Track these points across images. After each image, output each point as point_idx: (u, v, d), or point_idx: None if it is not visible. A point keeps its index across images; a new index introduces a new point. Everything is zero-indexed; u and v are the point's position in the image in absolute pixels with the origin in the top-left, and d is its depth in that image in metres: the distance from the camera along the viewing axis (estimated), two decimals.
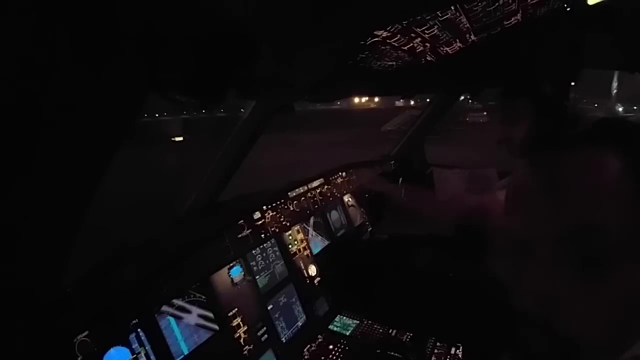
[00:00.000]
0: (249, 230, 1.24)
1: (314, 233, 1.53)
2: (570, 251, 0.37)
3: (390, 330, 1.31)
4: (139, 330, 0.85)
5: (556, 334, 0.37)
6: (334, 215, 1.69)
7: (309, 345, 1.24)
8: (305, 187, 1.58)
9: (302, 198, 1.53)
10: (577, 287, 0.37)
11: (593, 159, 0.38)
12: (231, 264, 1.13)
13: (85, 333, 0.75)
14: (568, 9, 1.04)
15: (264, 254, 1.27)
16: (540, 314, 0.38)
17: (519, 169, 0.44)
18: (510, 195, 0.44)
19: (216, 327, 1.02)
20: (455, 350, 1.21)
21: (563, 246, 0.37)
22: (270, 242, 1.31)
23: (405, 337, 1.28)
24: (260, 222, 1.30)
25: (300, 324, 1.30)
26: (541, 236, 0.38)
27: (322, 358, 1.19)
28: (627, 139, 0.38)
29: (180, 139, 17.80)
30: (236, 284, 1.13)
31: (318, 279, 1.44)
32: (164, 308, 0.92)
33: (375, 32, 0.70)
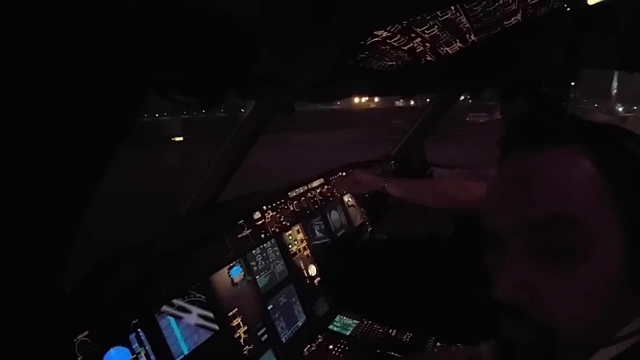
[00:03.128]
0: (249, 230, 1.24)
1: (317, 232, 1.54)
2: (541, 243, 0.39)
3: (390, 330, 1.31)
4: (139, 330, 0.85)
5: (533, 323, 0.39)
6: (334, 215, 1.69)
7: (309, 345, 1.24)
8: (305, 187, 1.58)
9: (302, 198, 1.53)
10: (549, 277, 0.39)
11: (563, 157, 0.40)
12: (231, 264, 1.13)
13: (85, 333, 0.75)
14: (568, 9, 1.04)
15: (264, 254, 1.27)
16: (515, 304, 0.39)
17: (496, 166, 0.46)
18: (487, 191, 0.46)
19: (216, 327, 1.02)
20: None
21: (534, 238, 0.39)
22: (270, 242, 1.31)
23: (405, 337, 1.28)
24: (260, 222, 1.29)
25: (300, 324, 1.30)
26: (513, 229, 0.40)
27: (322, 358, 1.19)
28: (594, 138, 0.41)
29: (180, 139, 17.81)
30: (236, 284, 1.13)
31: (318, 279, 1.44)
32: (164, 308, 0.92)
33: (375, 32, 0.70)
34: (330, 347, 1.23)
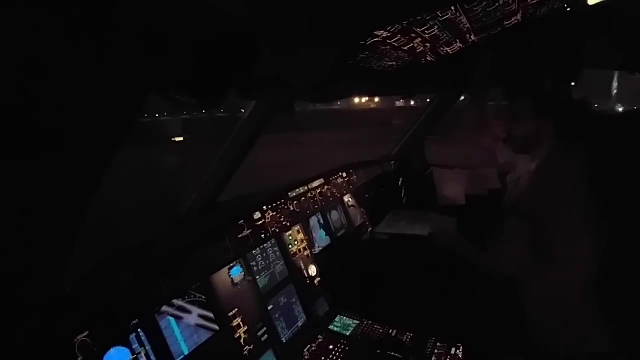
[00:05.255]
0: (249, 230, 1.24)
1: (317, 230, 1.53)
2: (525, 240, 0.39)
3: (390, 330, 1.31)
4: (139, 330, 0.85)
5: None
6: (334, 215, 1.69)
7: (309, 345, 1.24)
8: (305, 187, 1.58)
9: (302, 198, 1.53)
10: (531, 271, 0.39)
11: (564, 153, 0.39)
12: (231, 264, 1.13)
13: (85, 333, 0.75)
14: (568, 9, 1.04)
15: (264, 254, 1.27)
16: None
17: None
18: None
19: (216, 327, 1.02)
20: (455, 350, 1.21)
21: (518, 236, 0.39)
22: (270, 242, 1.31)
23: (405, 337, 1.28)
24: (260, 222, 1.29)
25: (300, 324, 1.30)
26: (502, 227, 0.40)
27: (322, 358, 1.19)
28: (591, 133, 0.39)
29: (180, 139, 17.77)
30: (236, 284, 1.13)
31: (318, 279, 1.44)
32: (164, 308, 0.92)
33: (375, 32, 0.70)
34: (330, 347, 1.23)
